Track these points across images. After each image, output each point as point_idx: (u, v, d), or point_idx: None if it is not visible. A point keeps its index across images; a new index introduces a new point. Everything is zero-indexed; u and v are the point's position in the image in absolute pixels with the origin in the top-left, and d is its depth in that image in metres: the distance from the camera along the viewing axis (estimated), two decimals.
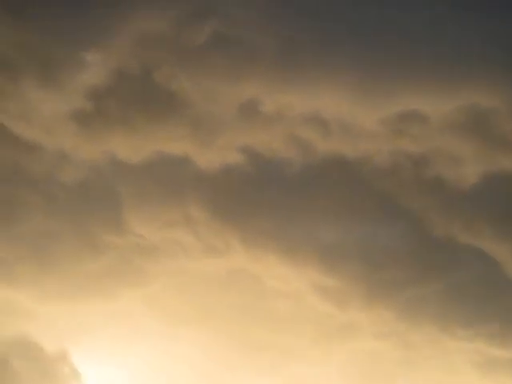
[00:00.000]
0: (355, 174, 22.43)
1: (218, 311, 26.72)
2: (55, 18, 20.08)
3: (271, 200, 22.61)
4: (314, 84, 20.28)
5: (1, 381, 26.27)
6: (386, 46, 20.23)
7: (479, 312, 23.86)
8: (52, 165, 23.87)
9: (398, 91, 20.30)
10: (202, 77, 20.17)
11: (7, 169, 23.70)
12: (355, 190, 22.78)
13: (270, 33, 20.25)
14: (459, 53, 20.84)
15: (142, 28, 19.91)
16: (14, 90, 21.26)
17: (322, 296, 24.28)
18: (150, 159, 22.43)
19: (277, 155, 21.75)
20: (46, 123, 22.44)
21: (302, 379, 25.80)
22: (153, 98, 20.64)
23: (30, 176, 23.93)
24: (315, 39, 20.01)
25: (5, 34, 20.61)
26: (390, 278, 23.58)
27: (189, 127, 21.07)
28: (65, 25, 19.87)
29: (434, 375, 25.11)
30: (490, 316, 23.83)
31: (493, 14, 20.82)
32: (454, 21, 20.78)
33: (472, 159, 21.97)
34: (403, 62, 20.62)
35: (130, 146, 22.28)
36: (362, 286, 23.35)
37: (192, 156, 21.53)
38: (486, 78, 20.63)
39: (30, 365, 26.72)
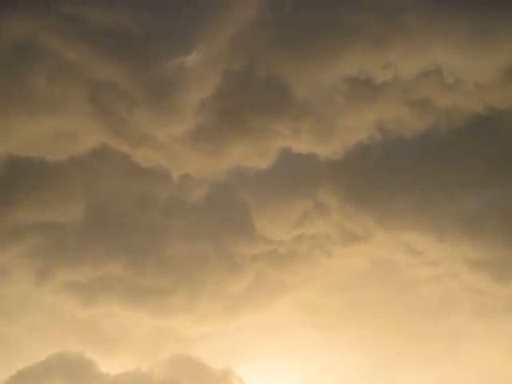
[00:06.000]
0: (490, 131, 18.77)
1: (368, 308, 24.10)
2: (153, 34, 18.35)
3: (405, 175, 19.44)
4: (422, 41, 17.06)
5: None
6: None
7: None
8: (179, 187, 22.25)
9: None
10: (305, 61, 17.50)
11: (137, 197, 22.37)
12: (494, 150, 19.15)
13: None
14: None
15: (237, 22, 17.62)
16: (129, 117, 19.63)
17: (478, 272, 20.59)
18: (274, 160, 20.01)
19: (403, 125, 18.53)
20: (165, 146, 20.67)
21: (473, 361, 22.10)
22: (263, 94, 18.20)
23: (159, 202, 22.45)
24: None
25: (112, 64, 19.04)
26: None
27: (307, 118, 18.41)
28: (164, 33, 18.07)
29: None
30: None
31: None
32: None
33: None
34: None
35: (254, 151, 19.95)
36: None
37: (316, 145, 18.78)
38: None
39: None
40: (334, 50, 17.40)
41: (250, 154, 20.39)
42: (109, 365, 25.45)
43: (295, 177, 20.81)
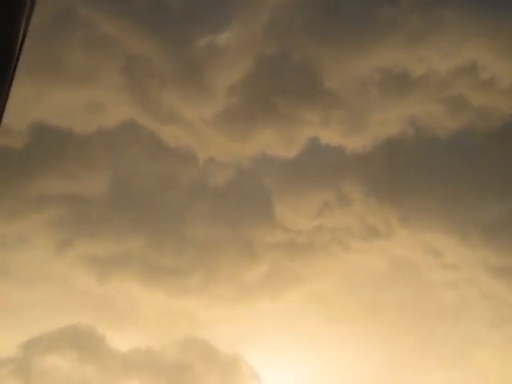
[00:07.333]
0: None
1: (383, 307, 23.61)
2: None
3: (434, 174, 18.83)
4: (458, 37, 16.54)
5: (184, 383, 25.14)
6: None
7: None
8: (203, 170, 22.05)
9: None
10: (339, 50, 17.06)
11: (161, 176, 22.23)
12: None
13: None
14: None
15: (273, 5, 17.26)
16: (159, 93, 19.38)
17: (498, 280, 20.03)
18: (300, 149, 19.65)
19: (436, 123, 17.98)
20: (193, 127, 20.43)
21: (485, 369, 21.52)
22: (295, 80, 17.80)
23: (183, 183, 22.28)
24: None
25: (146, 39, 18.81)
26: None
27: (338, 107, 17.98)
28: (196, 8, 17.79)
29: None
30: None
31: None
32: None
33: None
34: None
35: (281, 138, 19.60)
36: None
37: (346, 137, 18.36)
38: None
39: (209, 368, 25.26)
40: (369, 41, 16.98)
41: (277, 142, 20.08)
42: (119, 341, 25.42)
43: (320, 167, 20.44)
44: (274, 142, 20.12)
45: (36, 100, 19.80)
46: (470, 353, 21.74)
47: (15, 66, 3.95)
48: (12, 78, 4.15)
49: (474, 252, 19.65)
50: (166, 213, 24.22)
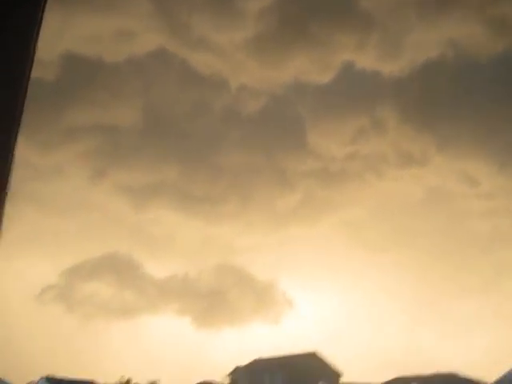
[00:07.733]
0: None
1: (416, 235, 23.47)
2: None
3: (473, 101, 18.14)
4: None
5: (220, 308, 25.78)
6: None
7: None
8: (235, 97, 21.80)
9: None
10: None
11: (193, 104, 22.07)
12: None
13: None
14: None
15: None
16: (189, 19, 18.99)
17: None
18: (334, 74, 19.14)
19: (478, 45, 17.18)
20: (224, 53, 20.09)
21: None
22: (328, 2, 17.15)
23: (215, 110, 22.10)
24: None
25: None
26: None
27: (373, 30, 17.34)
28: None
29: None
30: None
31: None
32: None
33: None
34: None
35: (315, 64, 19.13)
36: None
37: (382, 61, 17.77)
38: None
39: (244, 293, 25.78)
40: None
41: (310, 67, 19.63)
42: (156, 268, 26.00)
43: (355, 92, 19.87)
44: (307, 67, 19.71)
45: (65, 30, 19.52)
46: (500, 282, 21.61)
47: None
48: (43, 8, 3.98)
49: (510, 182, 19.20)
50: (198, 141, 24.13)
